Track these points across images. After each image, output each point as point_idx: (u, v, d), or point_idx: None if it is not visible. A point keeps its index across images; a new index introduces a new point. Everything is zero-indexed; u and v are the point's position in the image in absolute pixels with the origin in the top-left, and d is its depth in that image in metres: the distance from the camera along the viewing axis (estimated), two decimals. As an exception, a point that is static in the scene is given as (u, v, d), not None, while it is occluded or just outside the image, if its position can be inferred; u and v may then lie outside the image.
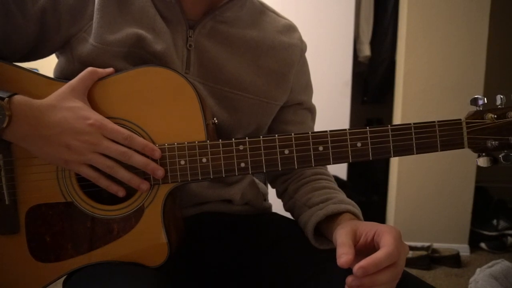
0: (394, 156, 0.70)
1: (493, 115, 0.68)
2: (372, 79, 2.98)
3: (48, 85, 0.73)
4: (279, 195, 0.98)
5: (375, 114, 3.21)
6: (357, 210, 0.80)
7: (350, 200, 0.83)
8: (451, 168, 2.58)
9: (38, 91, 0.71)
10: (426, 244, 2.53)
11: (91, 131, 0.68)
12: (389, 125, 0.70)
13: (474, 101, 0.69)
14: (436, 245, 2.56)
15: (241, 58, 0.85)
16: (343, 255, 0.61)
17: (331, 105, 2.67)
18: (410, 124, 0.69)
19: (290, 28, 0.93)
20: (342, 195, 0.85)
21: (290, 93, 0.92)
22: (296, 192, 0.90)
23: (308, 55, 0.96)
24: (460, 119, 0.69)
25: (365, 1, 2.83)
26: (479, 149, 0.70)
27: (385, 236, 0.63)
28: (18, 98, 0.68)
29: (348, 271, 0.66)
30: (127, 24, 0.78)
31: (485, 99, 0.68)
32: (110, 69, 0.74)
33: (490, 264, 1.65)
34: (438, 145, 0.69)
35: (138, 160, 0.69)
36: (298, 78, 0.93)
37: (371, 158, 0.70)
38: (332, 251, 0.75)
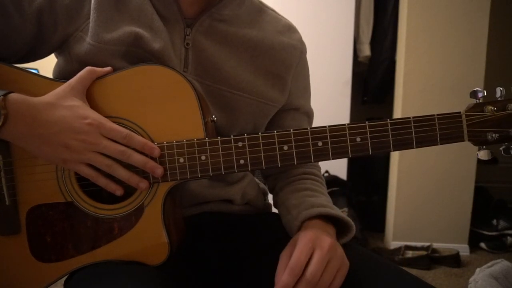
0: (394, 150, 0.70)
1: (493, 108, 0.68)
2: (372, 79, 2.97)
3: (48, 86, 0.73)
4: (270, 191, 0.98)
5: (375, 114, 3.21)
6: (329, 211, 0.79)
7: (321, 202, 0.82)
8: (451, 168, 2.58)
9: (38, 92, 0.71)
10: (426, 244, 2.53)
11: (89, 130, 0.67)
12: (388, 120, 0.70)
13: (473, 94, 0.69)
14: (436, 245, 2.56)
15: (239, 58, 0.85)
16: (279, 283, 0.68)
17: (331, 105, 2.67)
18: (409, 118, 0.69)
19: (291, 29, 0.92)
20: (316, 199, 0.84)
21: (288, 96, 0.91)
22: (281, 190, 0.91)
23: (308, 55, 0.96)
24: (460, 112, 0.69)
25: (365, 1, 2.83)
26: (479, 142, 0.70)
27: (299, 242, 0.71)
28: (14, 96, 0.67)
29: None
30: (124, 22, 0.78)
31: (485, 91, 0.68)
32: (108, 68, 0.74)
33: (490, 264, 1.64)
34: (438, 139, 0.69)
35: (137, 158, 0.69)
36: (296, 80, 0.92)
37: (370, 153, 0.70)
38: None
